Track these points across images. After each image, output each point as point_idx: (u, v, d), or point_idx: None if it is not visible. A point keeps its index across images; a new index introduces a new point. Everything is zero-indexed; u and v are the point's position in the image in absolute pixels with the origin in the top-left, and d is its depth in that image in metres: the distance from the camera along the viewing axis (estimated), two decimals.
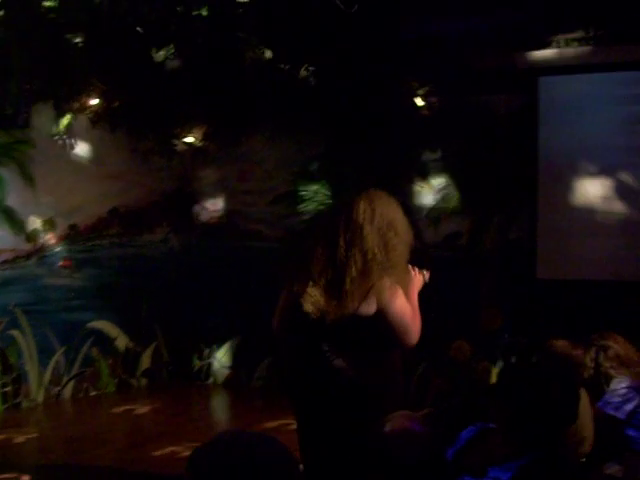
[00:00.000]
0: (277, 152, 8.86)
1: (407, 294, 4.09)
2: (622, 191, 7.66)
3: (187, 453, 6.48)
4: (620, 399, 4.97)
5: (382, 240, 4.01)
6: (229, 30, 7.33)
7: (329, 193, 8.57)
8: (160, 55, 7.63)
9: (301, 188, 8.76)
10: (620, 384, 5.02)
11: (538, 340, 6.22)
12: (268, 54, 7.70)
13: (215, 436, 1.90)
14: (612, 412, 4.93)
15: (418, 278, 4.25)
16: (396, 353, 4.22)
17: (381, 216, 4.05)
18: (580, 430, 3.11)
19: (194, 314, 9.24)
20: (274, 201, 9.02)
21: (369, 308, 3.98)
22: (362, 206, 4.06)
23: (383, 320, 3.98)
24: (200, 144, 8.87)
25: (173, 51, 7.70)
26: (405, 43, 7.60)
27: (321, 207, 8.54)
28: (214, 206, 9.46)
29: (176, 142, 8.83)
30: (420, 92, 7.90)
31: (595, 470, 4.19)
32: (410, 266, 4.21)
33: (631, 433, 4.95)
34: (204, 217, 9.53)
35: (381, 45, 7.52)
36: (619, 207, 7.68)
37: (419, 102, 7.91)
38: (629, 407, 4.97)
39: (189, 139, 8.81)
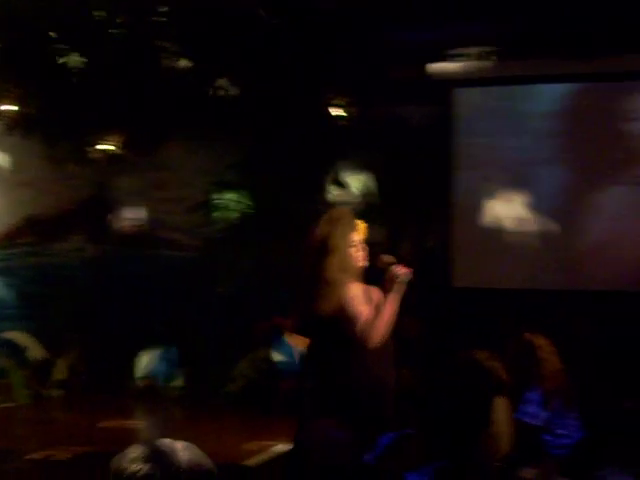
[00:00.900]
0: (194, 160, 8.82)
1: (370, 300, 4.48)
2: (535, 202, 7.81)
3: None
4: (536, 407, 5.08)
5: (338, 258, 4.46)
6: (147, 37, 7.27)
7: (250, 202, 8.57)
8: (75, 60, 7.52)
9: (218, 197, 8.74)
10: (534, 392, 5.13)
11: (455, 348, 6.28)
12: (184, 63, 7.66)
13: (134, 444, 1.89)
14: (529, 421, 5.04)
15: (399, 286, 4.48)
16: (373, 354, 4.45)
17: (338, 236, 4.50)
18: (496, 435, 3.16)
19: (111, 323, 9.11)
20: (191, 210, 8.97)
21: (328, 311, 4.42)
22: (321, 229, 4.55)
23: (338, 321, 4.43)
24: (116, 151, 8.77)
25: (88, 57, 7.59)
26: (324, 53, 7.64)
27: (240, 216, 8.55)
28: (130, 214, 9.36)
29: (91, 149, 8.70)
30: (337, 102, 7.94)
31: (511, 474, 4.25)
32: (396, 267, 4.51)
33: (547, 437, 5.07)
34: (120, 225, 9.42)
35: (301, 55, 7.54)
36: (532, 217, 7.83)
37: (335, 112, 7.96)
38: (545, 414, 5.08)
39: (105, 146, 8.68)
